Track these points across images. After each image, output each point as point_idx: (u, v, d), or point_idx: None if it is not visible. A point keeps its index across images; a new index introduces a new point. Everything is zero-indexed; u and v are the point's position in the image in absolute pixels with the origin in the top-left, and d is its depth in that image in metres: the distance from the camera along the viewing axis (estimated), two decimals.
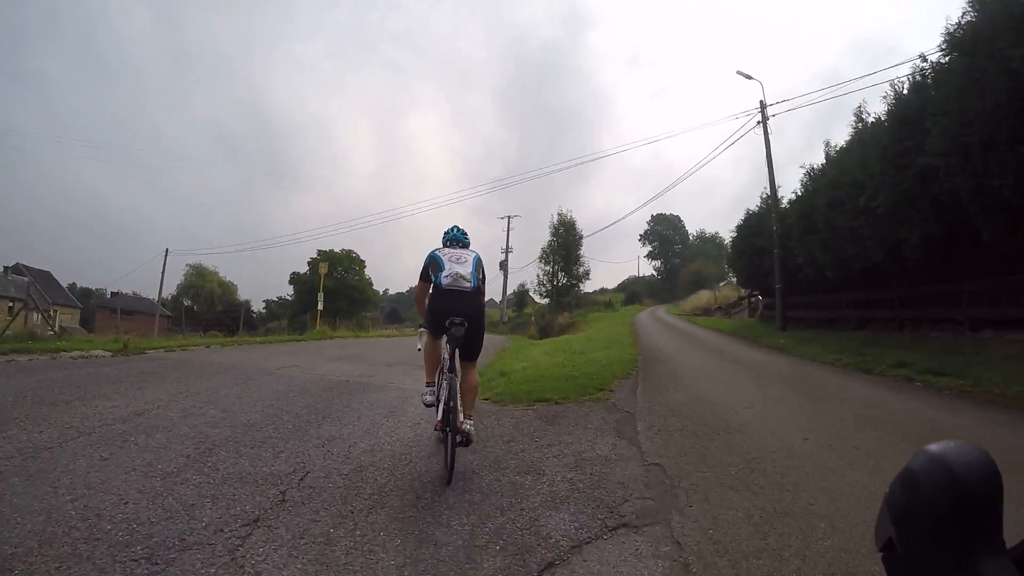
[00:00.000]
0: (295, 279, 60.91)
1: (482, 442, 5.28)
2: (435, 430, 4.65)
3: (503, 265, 59.14)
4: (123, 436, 4.99)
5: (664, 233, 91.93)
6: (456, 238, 5.05)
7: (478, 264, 4.72)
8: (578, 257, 44.44)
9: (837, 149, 16.75)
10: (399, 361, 12.49)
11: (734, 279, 35.00)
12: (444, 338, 4.50)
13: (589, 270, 45.09)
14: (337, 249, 60.54)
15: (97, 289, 76.31)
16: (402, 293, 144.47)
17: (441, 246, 4.95)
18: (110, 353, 11.83)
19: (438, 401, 4.60)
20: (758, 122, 21.28)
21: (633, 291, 77.64)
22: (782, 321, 19.46)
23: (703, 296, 50.17)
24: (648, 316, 41.58)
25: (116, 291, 72.21)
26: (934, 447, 0.59)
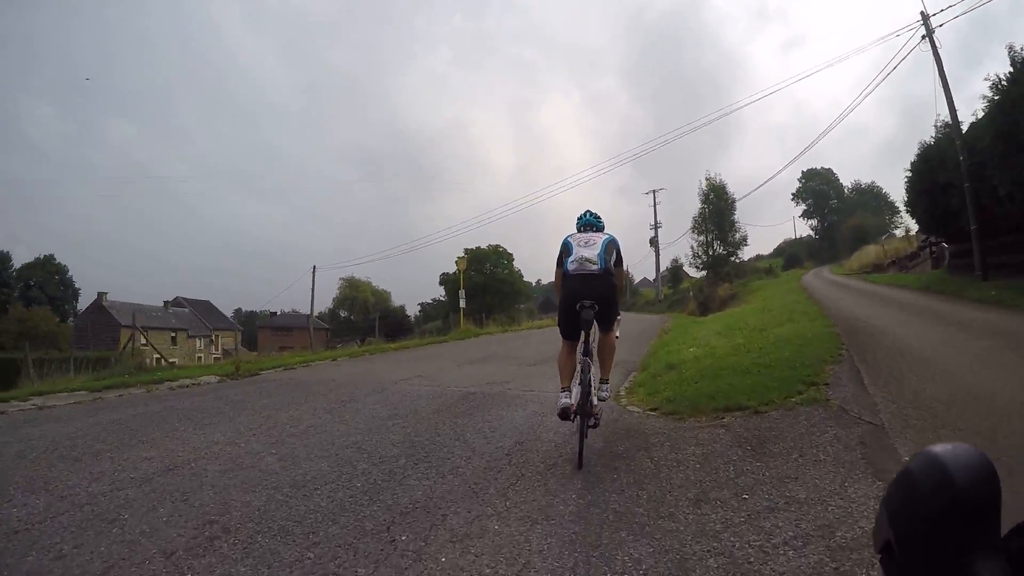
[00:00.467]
0: (445, 279, 63.40)
1: (654, 503, 3.54)
2: (561, 417, 4.42)
3: (653, 241, 57.31)
4: (117, 511, 3.73)
5: (818, 188, 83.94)
6: (589, 222, 5.06)
7: (608, 246, 4.68)
8: (733, 223, 41.85)
9: None
10: (545, 358, 10.93)
11: (898, 230, 30.97)
12: (577, 341, 4.57)
13: (746, 236, 42.24)
14: (484, 246, 62.51)
15: (261, 311, 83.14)
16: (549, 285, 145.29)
17: (575, 232, 4.99)
18: (217, 378, 10.85)
19: (572, 419, 4.45)
20: (923, 36, 18.27)
21: (791, 254, 71.68)
22: (983, 268, 16.57)
23: (870, 251, 45.02)
24: (815, 278, 37.58)
25: (275, 311, 79.11)
26: (932, 449, 0.59)
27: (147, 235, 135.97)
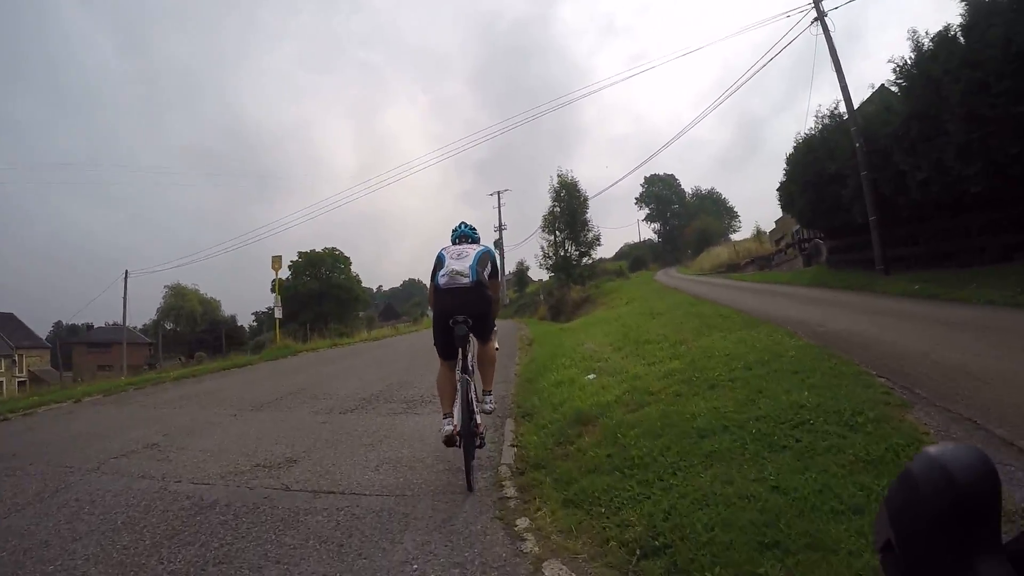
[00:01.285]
0: (276, 285, 56.07)
1: None
2: (446, 443, 4.11)
3: (498, 244, 54.94)
4: None
5: (661, 193, 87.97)
6: (464, 234, 4.88)
7: (481, 258, 4.49)
8: (585, 223, 39.34)
9: (945, 32, 12.60)
10: (376, 392, 8.23)
11: (735, 234, 30.75)
12: (455, 360, 4.41)
13: (599, 235, 40.07)
14: (319, 248, 56.11)
15: (83, 324, 70.60)
16: (396, 288, 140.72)
17: (449, 244, 4.76)
18: None
19: (457, 444, 4.11)
20: (814, 19, 16.99)
21: (636, 257, 73.23)
22: (884, 262, 15.31)
23: (721, 253, 46.36)
24: (670, 278, 37.87)
25: (91, 324, 68.21)
26: (933, 449, 0.59)
27: None
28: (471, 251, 4.51)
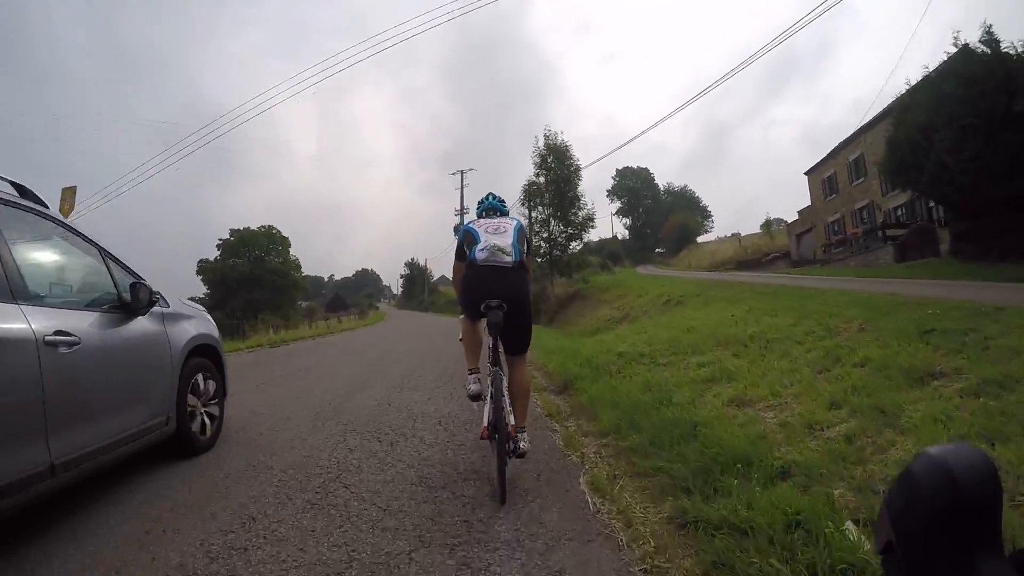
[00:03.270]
0: (204, 268, 46.96)
1: None
2: (481, 438, 3.41)
3: (458, 229, 48.06)
4: None
5: (633, 187, 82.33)
6: (493, 206, 4.22)
7: (520, 234, 3.79)
8: (576, 198, 30.87)
9: None
10: None
11: (708, 233, 24.80)
12: (483, 323, 3.66)
13: (593, 214, 31.68)
14: (255, 227, 47.84)
15: None
16: (348, 278, 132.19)
17: (475, 218, 4.13)
18: None
19: (485, 398, 3.55)
20: None
21: (611, 251, 66.98)
22: None
23: (719, 249, 40.85)
24: (689, 274, 29.64)
25: None
26: (934, 449, 0.59)
27: None
28: (508, 225, 3.80)
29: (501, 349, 3.61)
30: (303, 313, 48.28)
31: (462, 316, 3.92)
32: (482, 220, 3.97)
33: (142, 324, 3.57)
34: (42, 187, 3.26)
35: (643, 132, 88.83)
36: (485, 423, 3.33)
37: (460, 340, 3.94)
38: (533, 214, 31.87)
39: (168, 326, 3.89)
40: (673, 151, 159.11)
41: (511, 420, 3.43)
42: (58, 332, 2.70)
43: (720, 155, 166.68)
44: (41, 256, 3.22)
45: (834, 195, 31.40)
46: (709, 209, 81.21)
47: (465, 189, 47.85)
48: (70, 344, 2.76)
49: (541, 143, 31.55)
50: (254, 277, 44.47)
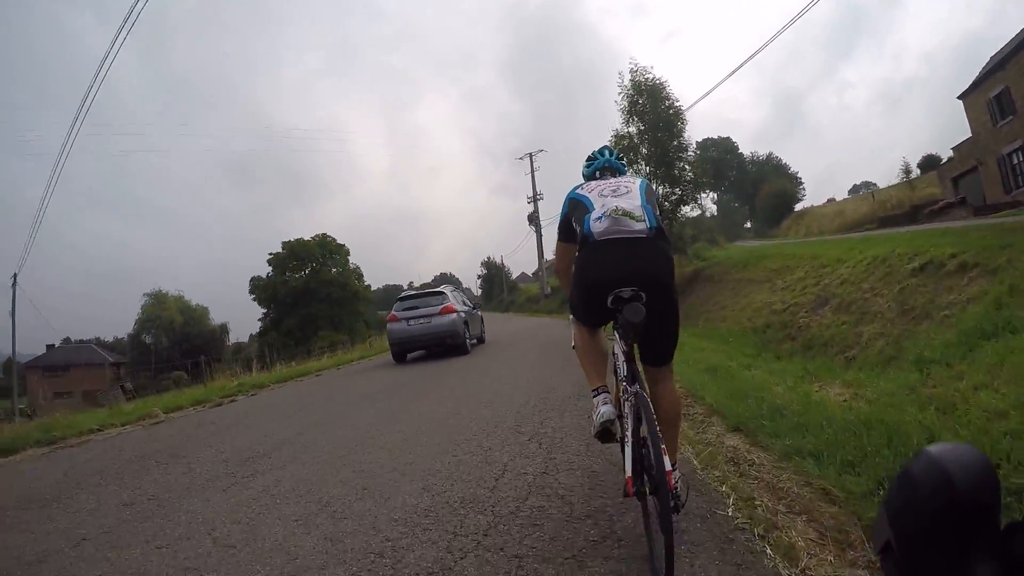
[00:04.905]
0: (256, 285, 43.77)
1: None
2: (625, 496, 2.31)
3: (533, 218, 43.08)
4: None
5: (716, 158, 74.50)
6: (611, 164, 3.06)
7: (649, 193, 2.71)
8: (683, 147, 22.85)
9: None
10: None
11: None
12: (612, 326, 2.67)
13: (709, 169, 24.73)
14: (308, 237, 44.28)
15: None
16: (428, 284, 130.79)
17: (584, 183, 2.93)
18: None
19: (621, 436, 2.48)
20: None
21: (707, 228, 60.27)
22: None
23: (853, 206, 33.75)
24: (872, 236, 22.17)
25: (52, 344, 57.90)
26: (932, 449, 0.59)
27: None
28: (632, 184, 2.71)
29: (638, 357, 2.57)
30: (379, 324, 44.74)
31: (573, 317, 2.92)
32: (596, 183, 2.81)
33: (475, 313, 15.36)
34: None
35: (712, 89, 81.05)
36: (629, 472, 2.24)
37: (573, 348, 2.94)
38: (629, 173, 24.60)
39: (479, 312, 16.05)
40: (745, 126, 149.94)
41: (668, 464, 2.14)
42: (465, 312, 13.49)
43: (792, 125, 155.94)
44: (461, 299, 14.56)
45: (1010, 117, 23.57)
46: (799, 176, 72.55)
47: (536, 173, 43.30)
48: (467, 313, 13.68)
49: (627, 81, 23.44)
50: (310, 291, 40.74)
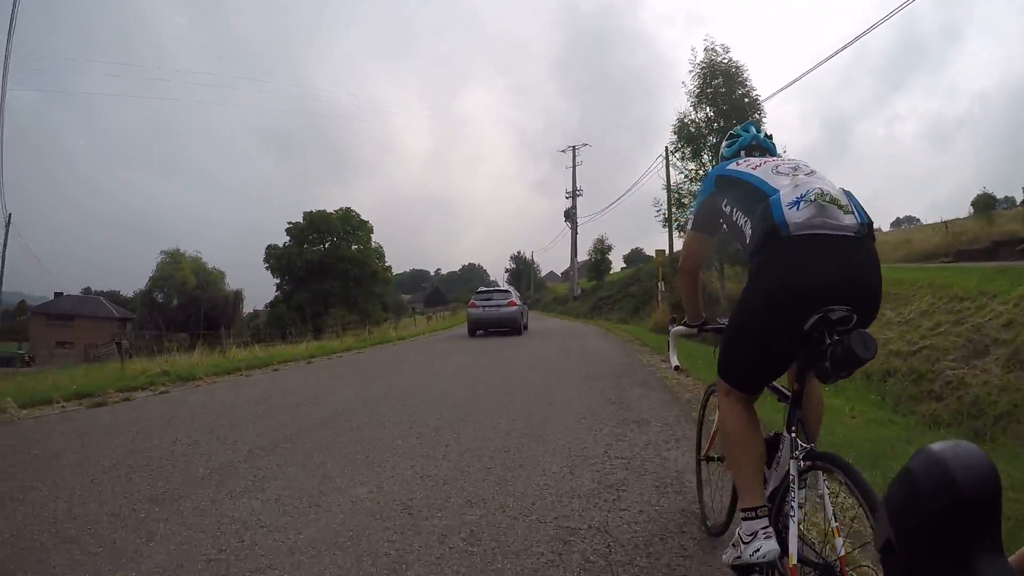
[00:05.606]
0: (271, 253, 42.00)
1: None
2: None
3: (570, 214, 40.99)
4: None
5: None
6: (761, 143, 2.34)
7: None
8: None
9: None
10: None
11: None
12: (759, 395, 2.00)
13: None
14: (331, 209, 42.33)
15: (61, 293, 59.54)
16: (455, 272, 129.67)
17: (730, 162, 2.17)
18: None
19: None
20: None
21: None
22: None
23: (922, 236, 31.23)
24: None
25: (60, 292, 57.19)
26: (934, 447, 0.58)
27: None
28: (809, 166, 2.04)
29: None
30: (397, 308, 42.91)
31: (676, 327, 2.49)
32: (754, 159, 2.10)
33: (525, 307, 20.96)
34: None
35: (776, 91, 78.71)
36: (795, 560, 1.54)
37: (676, 368, 2.58)
38: (691, 166, 21.94)
39: (526, 305, 22.00)
40: (792, 150, 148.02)
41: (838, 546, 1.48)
42: (520, 305, 18.85)
43: (839, 152, 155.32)
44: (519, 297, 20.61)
45: None
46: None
47: (577, 169, 41.35)
48: (521, 306, 19.39)
49: (700, 58, 21.41)
50: (325, 266, 38.86)
